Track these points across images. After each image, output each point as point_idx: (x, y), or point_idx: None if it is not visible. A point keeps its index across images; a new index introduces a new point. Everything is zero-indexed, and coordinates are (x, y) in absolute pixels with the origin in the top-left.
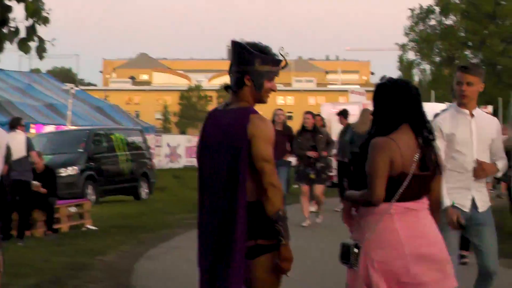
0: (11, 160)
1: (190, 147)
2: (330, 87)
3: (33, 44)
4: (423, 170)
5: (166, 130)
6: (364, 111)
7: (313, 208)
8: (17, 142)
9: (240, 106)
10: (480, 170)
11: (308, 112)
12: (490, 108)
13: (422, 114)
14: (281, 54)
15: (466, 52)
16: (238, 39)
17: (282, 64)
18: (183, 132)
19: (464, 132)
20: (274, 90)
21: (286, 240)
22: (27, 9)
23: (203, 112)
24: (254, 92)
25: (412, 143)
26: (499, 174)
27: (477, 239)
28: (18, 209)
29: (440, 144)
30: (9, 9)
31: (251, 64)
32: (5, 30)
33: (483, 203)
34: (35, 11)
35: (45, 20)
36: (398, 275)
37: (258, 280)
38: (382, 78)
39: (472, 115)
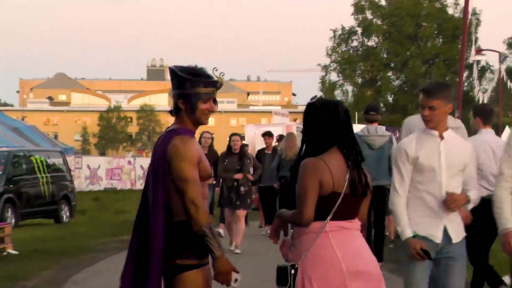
0: None
1: (111, 169)
2: (251, 108)
3: None
4: (353, 190)
5: (85, 151)
6: (289, 135)
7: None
8: None
9: (172, 128)
10: (451, 202)
11: (235, 134)
12: None
13: (352, 135)
14: (215, 75)
15: (388, 74)
16: (174, 64)
17: (217, 85)
18: (102, 153)
19: (432, 155)
20: (212, 111)
21: (218, 253)
22: None
23: (123, 133)
24: (189, 115)
25: (342, 164)
26: (470, 206)
27: (445, 275)
28: None
29: (404, 170)
30: None
31: (182, 87)
32: None
33: (457, 234)
34: None
35: None
36: None
37: None
38: (313, 98)
39: (442, 137)
